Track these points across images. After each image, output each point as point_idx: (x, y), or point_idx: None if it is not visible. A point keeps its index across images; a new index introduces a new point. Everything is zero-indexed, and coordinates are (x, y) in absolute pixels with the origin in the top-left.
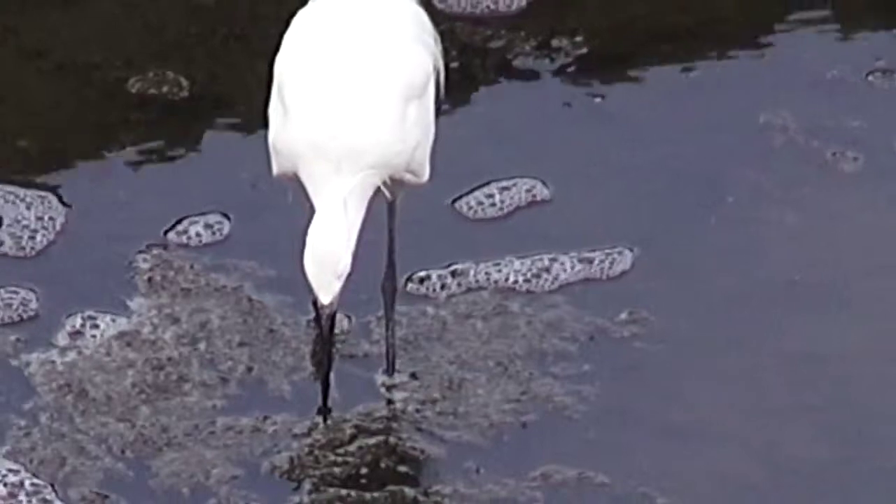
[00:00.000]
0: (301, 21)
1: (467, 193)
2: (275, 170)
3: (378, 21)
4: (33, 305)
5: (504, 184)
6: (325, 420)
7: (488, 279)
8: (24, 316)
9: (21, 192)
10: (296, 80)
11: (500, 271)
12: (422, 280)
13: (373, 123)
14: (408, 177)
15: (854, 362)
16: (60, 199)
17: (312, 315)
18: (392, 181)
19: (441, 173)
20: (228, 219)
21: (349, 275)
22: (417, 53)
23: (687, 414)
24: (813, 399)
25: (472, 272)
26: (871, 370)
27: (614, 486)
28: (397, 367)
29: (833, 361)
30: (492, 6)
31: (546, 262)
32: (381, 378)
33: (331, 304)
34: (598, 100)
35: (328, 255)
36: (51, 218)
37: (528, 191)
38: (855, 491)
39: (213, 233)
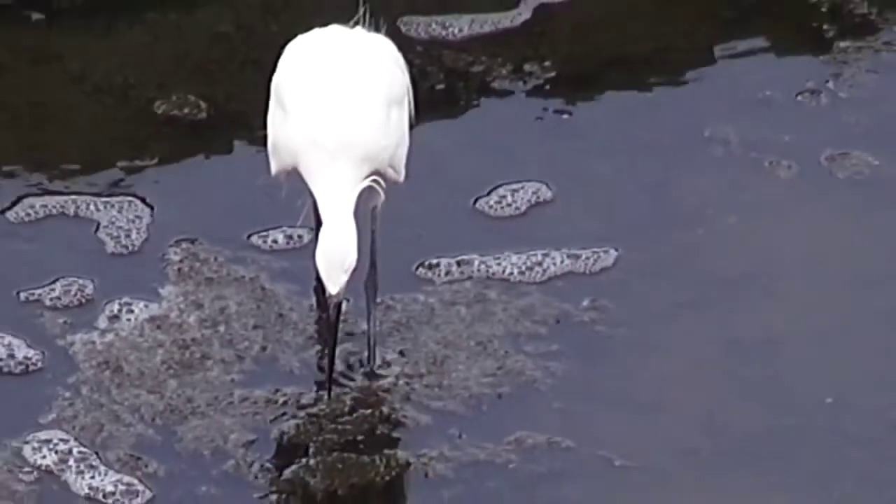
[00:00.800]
0: (296, 45)
1: (485, 195)
2: (273, 168)
3: (361, 45)
4: (88, 292)
5: (514, 186)
6: (328, 394)
7: (487, 270)
8: (72, 302)
9: (64, 196)
10: (297, 87)
11: (499, 264)
12: (431, 266)
13: (363, 121)
14: (390, 172)
15: (784, 343)
16: (99, 202)
17: (316, 301)
18: (377, 184)
19: (435, 177)
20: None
21: (354, 269)
22: (395, 70)
23: (640, 388)
24: (748, 375)
25: (476, 262)
26: (799, 350)
27: (578, 449)
28: (391, 346)
29: (766, 342)
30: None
31: (539, 257)
32: (365, 366)
33: (338, 293)
34: (565, 116)
35: (338, 254)
36: (92, 218)
37: (534, 192)
38: (782, 452)
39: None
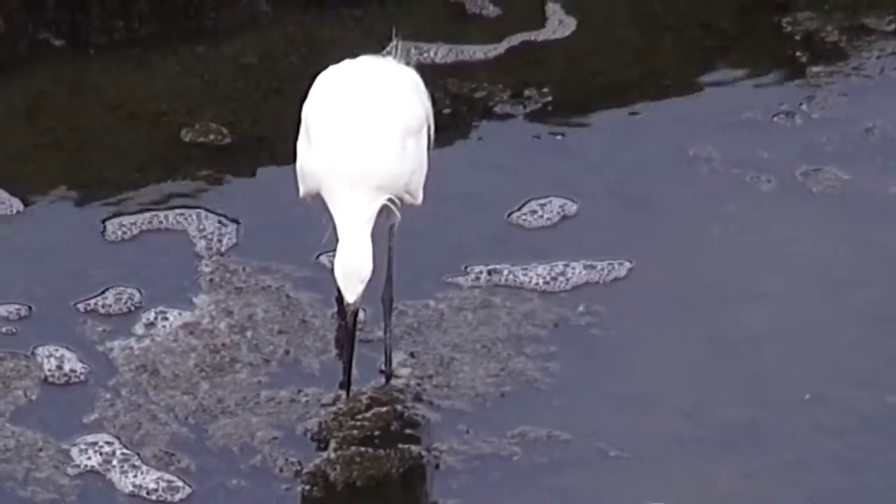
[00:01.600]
0: (324, 77)
1: (519, 209)
2: (301, 191)
3: (384, 79)
4: (128, 301)
5: (542, 201)
6: (347, 394)
7: (515, 278)
8: (113, 311)
9: (103, 213)
10: (320, 119)
11: (525, 274)
12: (462, 274)
13: (379, 152)
14: (406, 197)
15: (765, 342)
16: (135, 218)
17: (336, 309)
18: (395, 201)
19: (442, 194)
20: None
21: (369, 280)
22: (413, 102)
23: (630, 384)
24: (732, 372)
25: (505, 272)
26: (778, 348)
27: (576, 441)
28: (403, 349)
29: (748, 342)
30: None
31: (561, 268)
32: (384, 369)
33: (355, 302)
34: (559, 137)
35: (354, 266)
36: (129, 233)
37: (561, 206)
38: (763, 443)
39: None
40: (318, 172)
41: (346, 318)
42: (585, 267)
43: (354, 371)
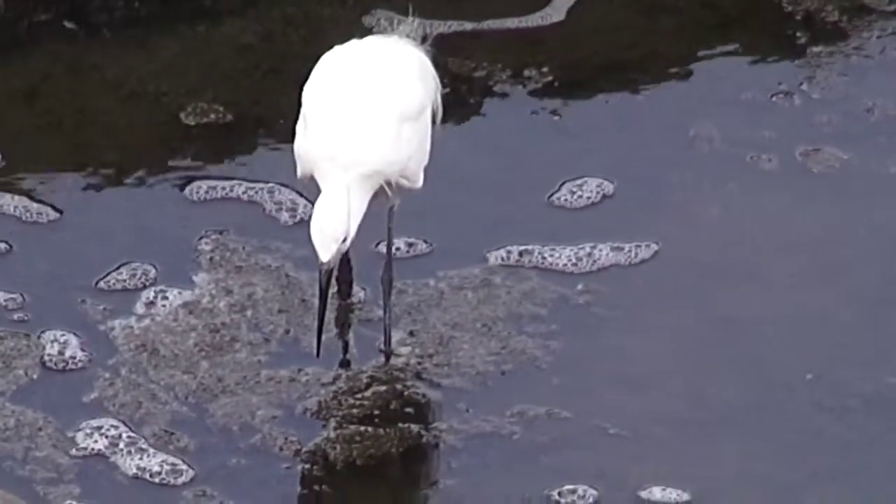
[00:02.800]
0: (325, 60)
1: (558, 189)
2: (298, 173)
3: (383, 62)
4: (125, 280)
5: (579, 181)
6: (317, 352)
7: (543, 259)
8: (113, 289)
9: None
10: (316, 103)
11: (554, 254)
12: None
13: (373, 138)
14: (403, 181)
15: (766, 322)
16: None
17: (336, 289)
18: (391, 184)
19: (442, 175)
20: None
21: (347, 253)
22: (413, 87)
23: (631, 364)
24: (732, 353)
25: (536, 252)
26: (778, 330)
27: (575, 420)
28: (402, 328)
29: (749, 322)
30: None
31: (588, 249)
32: (384, 348)
33: (328, 262)
34: (559, 118)
35: (328, 223)
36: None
37: (598, 186)
38: (763, 423)
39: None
40: (311, 157)
41: (324, 288)
42: (589, 249)
43: (353, 350)
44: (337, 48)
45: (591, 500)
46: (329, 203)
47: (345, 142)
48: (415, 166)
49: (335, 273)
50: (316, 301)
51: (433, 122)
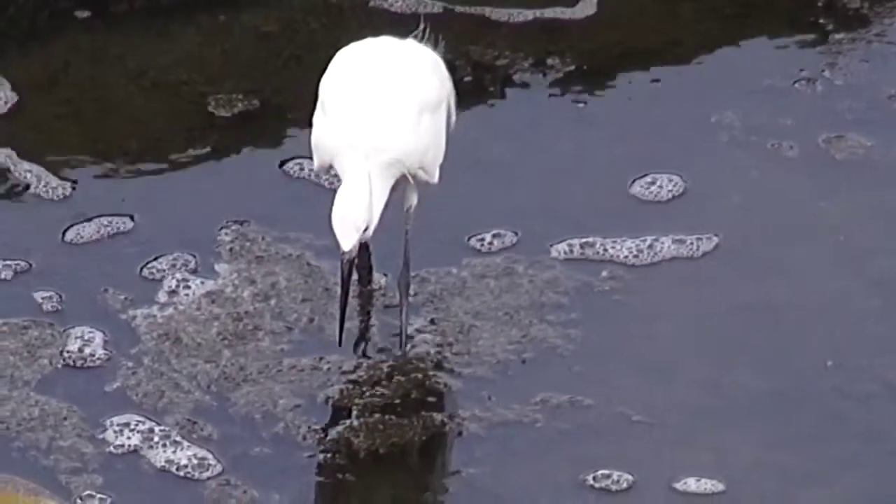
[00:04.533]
0: (343, 53)
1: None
2: (316, 163)
3: (402, 54)
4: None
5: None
6: (339, 341)
7: (604, 250)
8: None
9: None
10: (335, 91)
11: (615, 246)
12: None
13: (394, 125)
14: (420, 174)
15: (787, 310)
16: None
17: (357, 276)
18: (409, 178)
19: (463, 162)
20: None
21: (366, 244)
22: (430, 79)
23: (653, 351)
24: (754, 340)
25: (597, 244)
26: (799, 317)
27: (598, 407)
28: (424, 316)
29: (770, 309)
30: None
31: (649, 241)
32: (398, 351)
33: (350, 251)
34: (581, 105)
35: (350, 212)
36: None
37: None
38: (785, 410)
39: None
40: (332, 145)
41: (346, 277)
42: (602, 241)
43: (375, 338)
44: (353, 44)
45: (624, 485)
46: (350, 191)
47: (366, 129)
48: (432, 158)
49: (356, 261)
50: (338, 289)
51: (447, 125)
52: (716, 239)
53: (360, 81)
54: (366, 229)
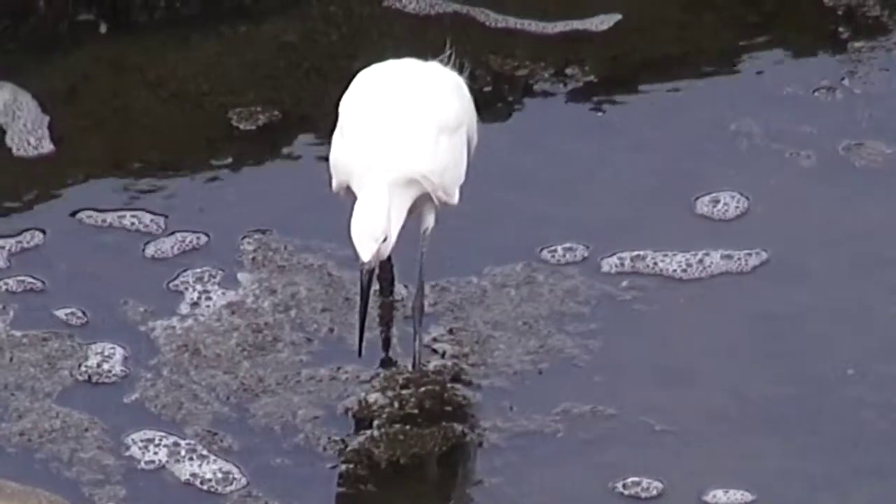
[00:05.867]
0: (363, 75)
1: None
2: (334, 185)
3: (422, 75)
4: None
5: (716, 194)
6: (359, 352)
7: (655, 264)
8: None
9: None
10: (354, 113)
11: (665, 260)
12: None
13: (412, 145)
14: (440, 193)
15: (808, 318)
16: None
17: (378, 287)
18: (429, 198)
19: (485, 173)
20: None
21: (389, 256)
22: (450, 100)
23: (673, 360)
24: (775, 348)
25: (648, 258)
26: (820, 325)
27: (620, 416)
28: (443, 325)
29: (791, 317)
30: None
31: (700, 256)
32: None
33: (369, 262)
34: (600, 114)
35: (368, 223)
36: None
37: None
38: (807, 418)
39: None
40: (349, 165)
41: (365, 287)
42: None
43: (395, 348)
44: (374, 66)
45: (654, 492)
46: (369, 203)
47: (383, 149)
48: (450, 179)
49: (376, 272)
50: (358, 300)
51: (468, 148)
52: (736, 247)
53: (378, 102)
54: (384, 240)
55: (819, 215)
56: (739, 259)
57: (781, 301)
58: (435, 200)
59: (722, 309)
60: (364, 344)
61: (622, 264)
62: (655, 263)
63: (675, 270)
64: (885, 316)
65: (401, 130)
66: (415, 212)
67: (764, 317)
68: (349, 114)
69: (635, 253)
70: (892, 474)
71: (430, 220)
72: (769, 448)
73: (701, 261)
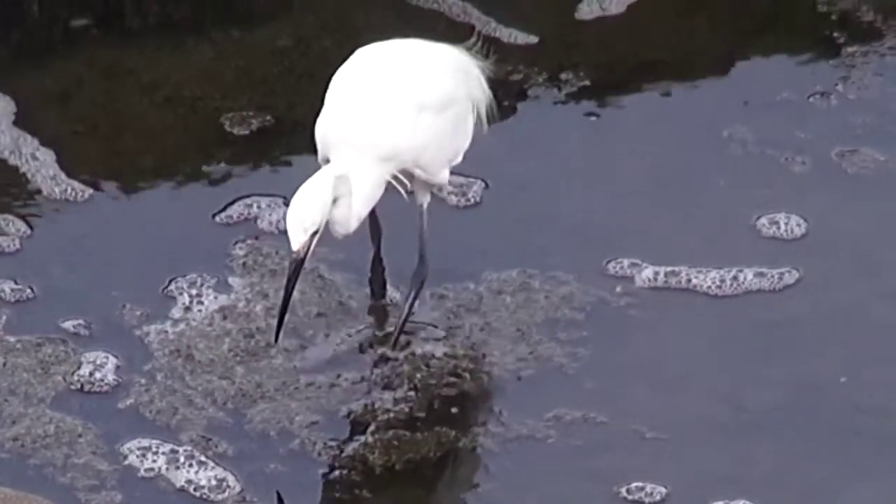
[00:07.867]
0: (359, 51)
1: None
2: (318, 156)
3: (415, 54)
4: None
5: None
6: (276, 339)
7: (689, 280)
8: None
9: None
10: (337, 83)
11: (661, 266)
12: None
13: (387, 122)
14: (418, 172)
15: (802, 324)
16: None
17: (369, 290)
18: (407, 176)
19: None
20: None
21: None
22: (439, 79)
23: (665, 367)
24: (768, 354)
25: (683, 273)
26: (813, 331)
27: (612, 423)
28: (440, 327)
29: (784, 324)
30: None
31: (734, 273)
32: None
33: (298, 251)
34: (594, 120)
35: (301, 213)
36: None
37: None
38: (800, 424)
39: None
40: (326, 136)
41: (291, 277)
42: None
43: (389, 355)
44: (374, 44)
45: (657, 497)
46: (307, 192)
47: (358, 123)
48: (430, 157)
49: (306, 264)
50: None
51: (480, 125)
52: (729, 253)
53: (362, 76)
54: (316, 232)
55: (812, 221)
56: (735, 266)
57: (775, 307)
58: (406, 182)
59: (716, 315)
60: (282, 332)
61: (618, 270)
62: (652, 270)
63: (669, 277)
64: (876, 321)
65: (376, 105)
66: (406, 188)
67: (758, 322)
68: (333, 85)
69: (631, 260)
70: (888, 479)
71: (422, 198)
72: (761, 454)
73: (695, 267)
